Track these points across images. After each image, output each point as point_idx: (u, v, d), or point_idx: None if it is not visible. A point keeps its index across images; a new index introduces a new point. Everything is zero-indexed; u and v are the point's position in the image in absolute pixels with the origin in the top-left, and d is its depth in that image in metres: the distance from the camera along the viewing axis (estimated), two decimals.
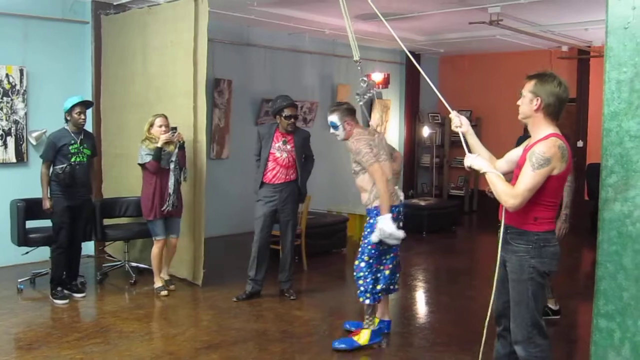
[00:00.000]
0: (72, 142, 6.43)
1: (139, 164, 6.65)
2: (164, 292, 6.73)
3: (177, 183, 6.69)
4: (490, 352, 4.07)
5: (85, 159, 6.53)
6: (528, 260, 3.59)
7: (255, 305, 6.44)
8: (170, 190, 6.63)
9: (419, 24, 9.34)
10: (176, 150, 6.64)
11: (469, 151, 3.89)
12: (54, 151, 6.39)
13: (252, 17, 8.89)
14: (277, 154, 6.42)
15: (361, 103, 5.53)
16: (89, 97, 8.11)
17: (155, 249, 6.74)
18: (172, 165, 6.62)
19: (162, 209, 6.63)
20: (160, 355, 5.06)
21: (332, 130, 5.52)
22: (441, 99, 3.97)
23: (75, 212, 6.52)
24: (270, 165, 6.42)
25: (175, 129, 6.62)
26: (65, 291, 6.51)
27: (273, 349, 5.28)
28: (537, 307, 3.65)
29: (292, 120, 6.41)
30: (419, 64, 14.08)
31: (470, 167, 3.74)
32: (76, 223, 6.57)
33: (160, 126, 6.62)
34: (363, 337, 5.25)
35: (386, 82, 11.72)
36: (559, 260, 3.69)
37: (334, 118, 5.45)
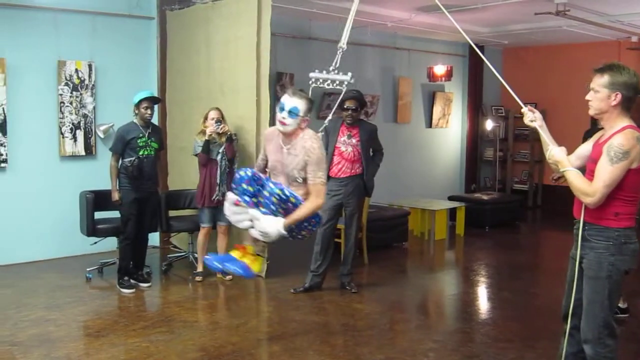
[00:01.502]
0: (141, 135, 6.55)
1: (194, 155, 6.94)
2: (199, 278, 6.97)
3: (225, 173, 6.84)
4: (556, 349, 3.99)
5: (152, 152, 6.65)
6: (607, 258, 3.48)
7: (316, 297, 6.47)
8: (218, 180, 6.81)
9: (482, 15, 9.19)
10: (224, 142, 6.81)
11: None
12: (122, 144, 6.52)
13: (314, 11, 8.90)
14: (343, 148, 6.43)
15: (313, 85, 4.91)
16: (154, 91, 8.27)
17: (200, 236, 6.99)
18: (219, 157, 6.80)
19: (212, 198, 6.83)
20: (223, 345, 5.14)
21: (281, 115, 4.38)
22: (511, 93, 3.87)
23: (142, 204, 6.63)
24: (336, 159, 6.44)
25: (220, 121, 6.77)
26: (132, 281, 6.65)
27: (334, 341, 5.30)
28: (612, 307, 3.55)
29: (350, 112, 6.42)
30: (482, 56, 13.77)
31: (551, 159, 3.60)
32: (143, 215, 6.68)
33: (213, 119, 6.80)
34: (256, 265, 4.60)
35: (449, 75, 11.59)
36: (638, 258, 3.56)
37: (299, 104, 4.38)
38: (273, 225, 4.24)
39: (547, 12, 8.39)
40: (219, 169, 6.83)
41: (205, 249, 7.04)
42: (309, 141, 4.44)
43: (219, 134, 6.78)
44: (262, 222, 4.25)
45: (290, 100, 4.38)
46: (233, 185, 4.36)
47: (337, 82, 5.02)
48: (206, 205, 6.88)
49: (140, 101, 6.56)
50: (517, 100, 3.85)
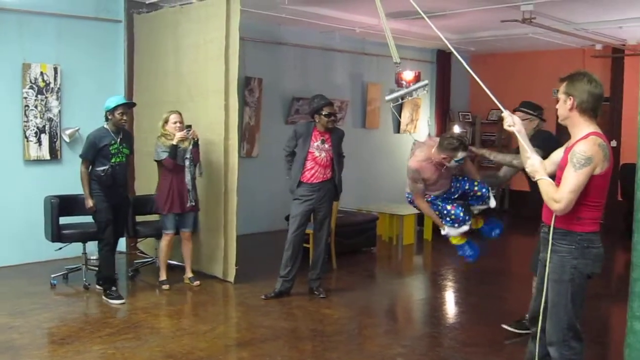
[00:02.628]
0: (113, 142, 6.38)
1: (155, 160, 6.82)
2: (166, 287, 6.84)
3: (193, 179, 6.81)
4: (523, 353, 4.02)
5: (124, 159, 6.52)
6: (570, 261, 3.54)
7: (285, 303, 6.45)
8: (189, 187, 6.76)
9: (450, 22, 9.27)
10: (190, 147, 6.75)
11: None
12: (94, 151, 6.34)
13: (283, 16, 8.90)
14: (316, 154, 6.42)
15: (393, 105, 5.40)
16: (122, 95, 8.18)
17: (162, 242, 6.90)
18: (187, 162, 6.74)
19: (187, 205, 6.78)
20: (191, 351, 5.09)
21: (452, 164, 5.14)
22: (493, 98, 3.88)
23: (114, 211, 6.48)
24: (309, 164, 6.43)
25: (189, 126, 6.74)
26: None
27: (303, 347, 5.29)
28: (575, 310, 3.59)
29: (332, 117, 6.43)
30: (449, 62, 13.89)
31: (529, 168, 3.63)
32: (114, 221, 6.51)
33: (175, 123, 6.73)
34: None
35: (417, 81, 11.62)
36: (602, 262, 3.62)
37: (463, 155, 5.11)
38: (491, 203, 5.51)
39: (514, 19, 8.50)
40: (188, 174, 6.76)
41: (168, 256, 7.00)
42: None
43: (183, 139, 6.70)
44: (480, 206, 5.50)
45: (460, 155, 5.07)
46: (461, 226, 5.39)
47: (417, 91, 5.39)
48: (172, 212, 6.77)
49: (116, 107, 6.36)
50: (498, 104, 3.86)
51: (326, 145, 6.46)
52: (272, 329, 5.67)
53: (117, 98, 6.52)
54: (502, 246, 10.45)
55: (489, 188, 5.44)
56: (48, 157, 7.80)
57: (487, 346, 5.35)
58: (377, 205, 10.10)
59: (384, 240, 9.72)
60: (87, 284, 6.81)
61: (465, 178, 5.43)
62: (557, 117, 3.66)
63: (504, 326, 5.63)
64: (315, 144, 6.44)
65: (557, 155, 3.78)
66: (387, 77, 11.60)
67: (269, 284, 6.74)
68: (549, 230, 3.62)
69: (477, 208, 5.49)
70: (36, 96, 7.65)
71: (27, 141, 7.63)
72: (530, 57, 12.35)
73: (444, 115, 13.01)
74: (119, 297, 6.31)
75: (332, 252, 7.91)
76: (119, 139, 6.43)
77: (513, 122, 3.72)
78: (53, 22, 7.76)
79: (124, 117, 6.42)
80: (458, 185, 5.40)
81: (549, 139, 5.39)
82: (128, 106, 6.58)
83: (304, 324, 5.97)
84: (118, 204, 6.51)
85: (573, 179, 3.40)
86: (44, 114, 7.73)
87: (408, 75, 11.54)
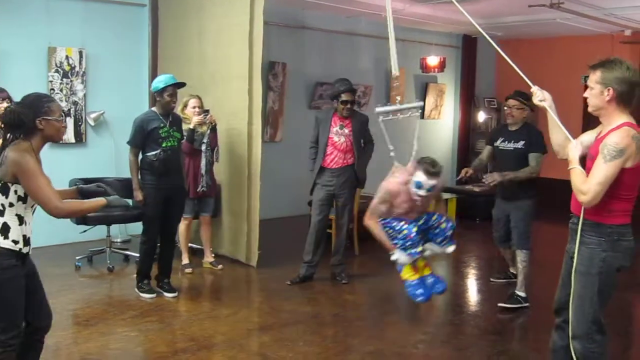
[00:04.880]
0: (162, 125, 5.88)
1: None
2: (189, 270, 6.83)
3: (210, 164, 6.79)
4: (546, 342, 3.99)
5: (176, 144, 6.00)
6: (599, 254, 3.44)
7: (307, 288, 6.46)
8: (203, 171, 6.73)
9: (477, 7, 9.15)
10: (208, 131, 6.73)
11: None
12: (142, 136, 5.85)
13: (307, 0, 8.85)
14: (335, 139, 6.40)
15: (382, 119, 5.02)
16: (146, 79, 8.22)
17: (181, 227, 6.81)
18: (203, 147, 6.72)
19: (197, 190, 6.73)
20: (213, 335, 5.12)
21: (419, 192, 4.62)
22: (521, 73, 3.81)
23: (169, 203, 5.97)
24: (329, 149, 6.42)
25: (207, 111, 6.70)
26: (156, 288, 6.11)
27: (324, 332, 5.30)
28: (601, 304, 3.52)
29: (349, 105, 6.39)
30: (475, 47, 13.70)
31: (563, 151, 3.58)
32: (170, 214, 6.05)
33: (194, 107, 6.69)
34: None
35: (442, 66, 11.56)
36: (632, 255, 3.52)
37: (436, 183, 4.65)
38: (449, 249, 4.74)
39: (541, 4, 8.37)
40: (204, 158, 6.74)
41: (188, 240, 7.03)
42: (439, 183, 4.78)
43: (201, 123, 6.67)
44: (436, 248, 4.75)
45: (428, 182, 4.58)
46: (410, 250, 4.61)
47: (409, 111, 5.12)
48: (190, 197, 6.71)
49: (165, 87, 5.86)
50: (526, 80, 3.80)
51: (346, 131, 6.43)
52: (294, 314, 5.69)
53: (166, 78, 5.96)
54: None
55: (453, 226, 4.79)
56: (73, 141, 7.86)
57: (509, 334, 5.32)
58: None
59: None
60: (111, 266, 6.87)
61: (433, 212, 4.87)
62: (587, 106, 3.52)
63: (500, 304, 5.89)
64: (335, 129, 6.41)
65: (586, 138, 3.63)
66: (412, 62, 11.54)
67: (292, 268, 6.75)
68: (577, 221, 3.51)
69: (432, 249, 4.75)
70: (61, 80, 7.70)
71: None
72: (558, 42, 12.16)
73: (468, 101, 12.88)
74: (151, 291, 6.02)
75: (355, 238, 7.89)
76: (168, 122, 5.93)
77: (544, 97, 3.65)
78: (79, 6, 7.79)
79: (174, 99, 5.94)
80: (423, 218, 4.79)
81: (538, 135, 5.85)
82: (178, 86, 5.99)
83: (325, 309, 5.98)
84: (173, 194, 6.00)
85: (602, 170, 3.28)
86: (69, 98, 7.78)
87: (433, 60, 11.52)
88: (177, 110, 6.49)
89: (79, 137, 7.91)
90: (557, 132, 3.69)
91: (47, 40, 7.57)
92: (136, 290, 6.10)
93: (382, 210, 4.77)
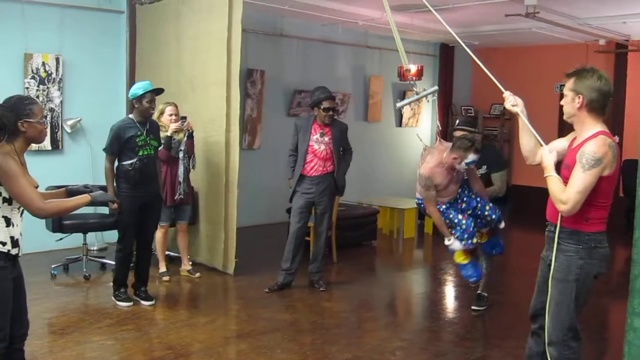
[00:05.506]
0: (139, 133, 5.80)
1: None
2: (166, 278, 6.80)
3: (187, 171, 6.78)
4: (522, 349, 4.02)
5: (153, 152, 5.94)
6: (577, 261, 3.47)
7: (285, 295, 6.45)
8: (181, 179, 6.72)
9: (453, 15, 9.24)
10: (185, 139, 6.72)
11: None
12: (118, 144, 5.77)
13: (285, 8, 8.88)
14: (316, 146, 6.42)
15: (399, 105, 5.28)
16: (123, 86, 8.19)
17: (158, 235, 6.75)
18: (181, 154, 6.71)
19: (175, 197, 6.71)
20: (190, 343, 5.10)
21: (462, 166, 5.29)
22: (494, 80, 3.85)
23: (145, 211, 5.91)
24: (309, 157, 6.43)
25: (184, 118, 6.70)
26: (133, 296, 6.07)
27: (302, 339, 5.29)
28: (577, 310, 3.54)
29: (331, 112, 6.41)
30: (452, 56, 13.80)
31: (537, 160, 3.61)
32: (146, 223, 6.00)
33: (171, 115, 6.66)
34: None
35: (420, 74, 11.62)
36: (608, 262, 3.56)
37: (475, 157, 5.26)
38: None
39: (517, 14, 8.46)
40: (181, 166, 6.72)
41: (165, 248, 7.01)
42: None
43: (178, 130, 6.64)
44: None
45: (471, 157, 5.20)
46: (468, 240, 5.43)
47: (427, 97, 5.24)
48: (167, 204, 6.67)
49: (144, 94, 5.78)
50: (499, 86, 3.84)
51: (326, 139, 6.45)
52: (272, 322, 5.68)
53: (144, 84, 5.88)
54: (504, 241, 10.45)
55: (500, 214, 5.56)
56: (50, 148, 7.80)
57: (486, 340, 5.36)
58: (378, 199, 10.10)
59: (384, 233, 9.72)
60: (87, 274, 6.82)
61: (477, 197, 5.55)
62: (562, 114, 3.57)
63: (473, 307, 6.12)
64: (315, 136, 6.43)
65: (558, 144, 3.68)
66: (390, 70, 11.60)
67: (269, 276, 6.75)
68: (554, 229, 3.54)
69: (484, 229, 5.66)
70: (38, 86, 7.64)
71: None
72: (534, 51, 12.30)
73: (446, 109, 12.99)
74: (127, 300, 5.97)
75: (333, 245, 7.91)
76: (145, 130, 5.86)
77: (516, 102, 3.68)
78: (56, 12, 7.74)
79: (152, 105, 5.86)
80: (466, 197, 5.55)
81: (496, 154, 6.24)
82: (156, 93, 5.93)
83: (303, 316, 5.97)
84: (149, 202, 5.94)
85: (581, 179, 3.30)
86: (45, 104, 7.72)
87: (411, 69, 11.57)
88: (154, 117, 6.39)
89: (56, 144, 7.85)
90: (527, 137, 3.72)
91: (23, 47, 7.51)
92: (113, 298, 6.05)
93: (433, 195, 5.38)
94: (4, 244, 3.42)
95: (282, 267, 6.58)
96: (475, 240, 5.41)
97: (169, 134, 6.53)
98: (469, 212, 5.49)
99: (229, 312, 6.18)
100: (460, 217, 5.40)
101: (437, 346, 5.27)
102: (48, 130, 7.61)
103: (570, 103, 3.47)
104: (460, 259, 5.49)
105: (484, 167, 5.92)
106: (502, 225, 5.63)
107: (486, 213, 5.52)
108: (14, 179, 3.32)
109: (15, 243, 3.48)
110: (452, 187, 5.42)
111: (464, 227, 5.36)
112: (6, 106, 3.45)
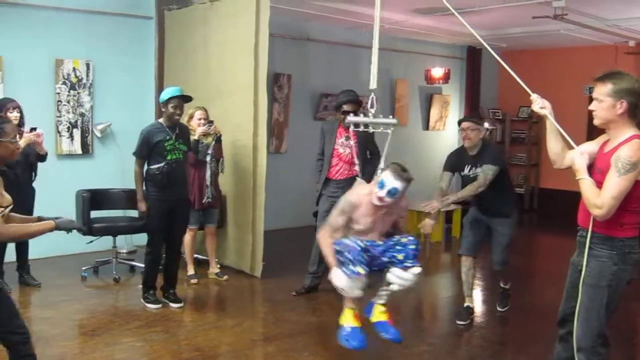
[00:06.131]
0: (167, 137, 5.88)
1: None
2: (194, 280, 6.86)
3: (214, 175, 6.84)
4: (550, 354, 4.00)
5: (181, 156, 6.00)
6: (610, 267, 3.42)
7: (312, 298, 6.47)
8: (208, 182, 6.77)
9: (480, 18, 9.21)
10: (213, 142, 6.77)
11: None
12: (148, 148, 5.86)
13: (310, 12, 8.91)
14: (340, 150, 6.43)
15: (352, 129, 4.83)
16: (152, 91, 8.28)
17: (187, 237, 6.78)
18: (208, 158, 6.76)
19: (203, 201, 6.77)
20: (218, 345, 5.14)
21: (380, 193, 4.27)
22: (521, 83, 3.83)
23: (172, 214, 5.98)
24: (334, 161, 6.44)
25: (211, 122, 6.73)
26: (162, 299, 6.14)
27: (329, 342, 5.29)
28: (607, 316, 3.50)
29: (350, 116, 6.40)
30: (479, 58, 13.69)
31: (567, 162, 3.58)
32: (173, 226, 6.05)
33: (200, 119, 6.72)
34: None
35: (446, 78, 11.61)
36: None
37: (399, 186, 4.30)
38: (414, 270, 4.35)
39: (545, 16, 8.41)
40: (209, 170, 6.79)
41: (193, 251, 7.07)
42: (404, 201, 4.64)
43: (206, 134, 6.71)
44: (400, 273, 4.39)
45: (392, 182, 4.26)
46: (348, 266, 4.11)
47: (380, 126, 4.88)
48: (195, 208, 6.75)
49: (169, 99, 5.88)
50: (526, 88, 3.81)
51: (351, 142, 6.44)
52: (299, 324, 5.70)
53: (173, 90, 5.99)
54: (531, 245, 10.38)
55: (417, 243, 4.38)
56: (80, 152, 7.91)
57: (513, 345, 5.32)
58: None
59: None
60: (117, 277, 6.90)
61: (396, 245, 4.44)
62: (591, 117, 3.47)
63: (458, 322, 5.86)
64: (340, 140, 6.44)
65: (589, 148, 3.60)
66: (416, 73, 11.59)
67: (296, 279, 6.77)
68: (586, 234, 3.49)
69: (397, 275, 4.41)
70: (69, 91, 7.77)
71: (60, 136, 7.75)
72: (562, 53, 12.19)
73: (473, 112, 12.91)
74: (156, 302, 6.05)
75: None
76: (174, 135, 5.93)
77: (544, 105, 3.63)
78: (85, 18, 7.85)
79: (178, 111, 5.91)
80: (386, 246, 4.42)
81: (494, 150, 5.91)
82: (183, 99, 5.99)
83: (331, 319, 5.96)
84: (177, 206, 6.00)
85: (617, 184, 3.24)
86: (76, 109, 7.84)
87: (437, 72, 11.57)
88: (183, 121, 6.48)
89: (86, 149, 7.96)
90: (555, 140, 3.68)
91: (53, 53, 7.64)
92: (142, 300, 6.13)
93: (339, 224, 4.34)
94: None
95: (309, 270, 6.60)
96: (360, 270, 4.06)
97: (196, 137, 6.59)
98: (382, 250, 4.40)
99: (256, 315, 6.21)
100: (346, 241, 4.17)
101: (464, 350, 5.26)
102: (78, 134, 7.76)
103: (610, 109, 3.36)
104: (345, 320, 4.38)
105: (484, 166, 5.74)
106: (417, 270, 4.37)
107: (404, 240, 4.39)
108: None
109: None
110: (373, 234, 4.39)
111: (349, 250, 4.09)
112: None
